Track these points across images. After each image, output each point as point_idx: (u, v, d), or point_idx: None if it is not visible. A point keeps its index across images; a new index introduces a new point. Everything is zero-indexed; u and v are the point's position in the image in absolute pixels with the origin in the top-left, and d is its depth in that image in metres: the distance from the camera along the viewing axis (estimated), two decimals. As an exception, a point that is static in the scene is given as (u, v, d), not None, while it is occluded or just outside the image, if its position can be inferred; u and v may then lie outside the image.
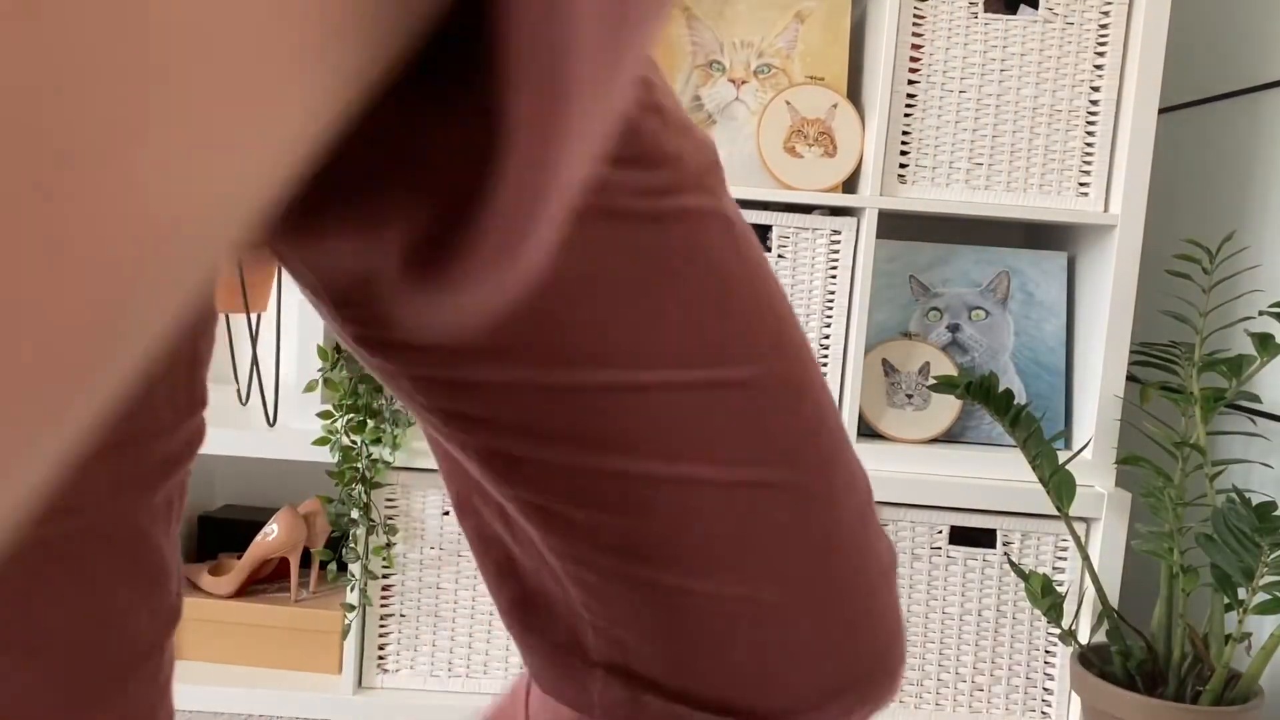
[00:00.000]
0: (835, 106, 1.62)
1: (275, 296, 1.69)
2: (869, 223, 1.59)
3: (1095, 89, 1.60)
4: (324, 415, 1.56)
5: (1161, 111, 2.00)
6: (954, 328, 1.68)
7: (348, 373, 1.55)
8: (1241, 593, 1.34)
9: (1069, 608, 1.60)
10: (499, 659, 1.64)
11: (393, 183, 0.25)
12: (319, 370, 1.60)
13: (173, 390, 0.50)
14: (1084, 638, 1.58)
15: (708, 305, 0.52)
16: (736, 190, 1.60)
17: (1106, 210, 1.61)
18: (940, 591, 1.62)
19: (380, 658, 1.63)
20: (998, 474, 1.62)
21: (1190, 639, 1.44)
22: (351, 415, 1.55)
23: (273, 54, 0.13)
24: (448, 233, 0.19)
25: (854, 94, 1.69)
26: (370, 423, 1.55)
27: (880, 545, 0.58)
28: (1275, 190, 1.67)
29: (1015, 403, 1.45)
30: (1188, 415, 1.50)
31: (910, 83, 1.60)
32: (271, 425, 1.62)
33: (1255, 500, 1.36)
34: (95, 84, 0.11)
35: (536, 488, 0.52)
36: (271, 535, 1.69)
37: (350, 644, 1.60)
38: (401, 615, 1.63)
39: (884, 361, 1.66)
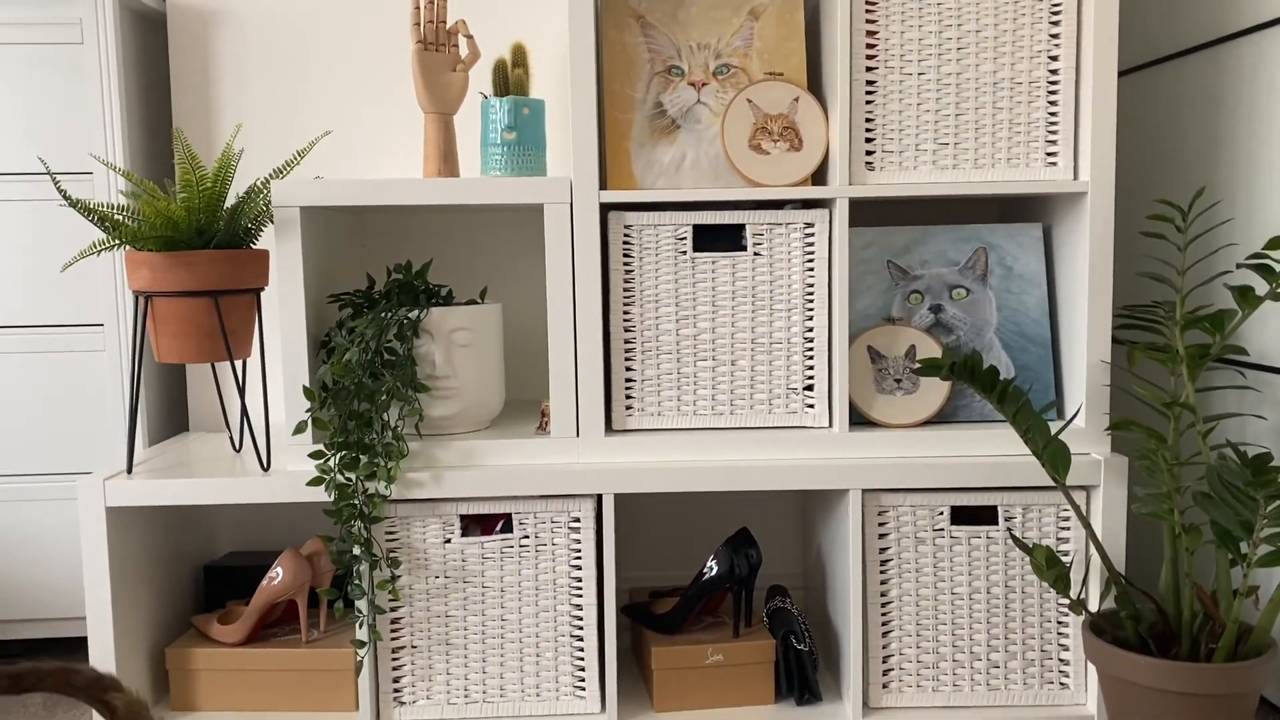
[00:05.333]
0: (797, 100, 1.63)
1: (258, 342, 1.69)
2: (841, 212, 1.59)
3: (1054, 58, 1.60)
4: (316, 455, 1.56)
5: (1122, 74, 2.00)
6: (936, 308, 1.68)
7: (336, 410, 1.55)
8: (1244, 547, 1.34)
9: (1076, 577, 1.60)
10: (514, 681, 1.64)
11: None
12: (307, 411, 1.60)
13: None
14: (1094, 605, 1.58)
15: None
16: (706, 192, 1.61)
17: (1076, 178, 1.61)
18: (947, 572, 1.62)
19: (396, 691, 1.63)
20: (993, 450, 1.62)
21: (1199, 597, 1.44)
22: (343, 452, 1.55)
23: None
24: None
25: (814, 86, 1.70)
26: (363, 458, 1.55)
27: None
28: (1242, 143, 1.68)
29: (1001, 378, 1.45)
30: (1176, 374, 1.50)
31: (869, 69, 1.60)
32: (266, 470, 1.62)
33: (1253, 452, 1.36)
34: None
35: None
36: (276, 579, 1.69)
37: (364, 680, 1.60)
38: (413, 647, 1.63)
39: (869, 349, 1.66)
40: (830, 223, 1.61)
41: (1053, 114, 1.61)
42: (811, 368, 1.65)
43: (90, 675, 0.93)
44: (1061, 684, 1.64)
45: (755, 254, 1.63)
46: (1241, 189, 1.68)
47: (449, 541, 1.61)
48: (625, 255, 1.63)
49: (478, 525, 1.64)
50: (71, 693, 0.92)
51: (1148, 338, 1.78)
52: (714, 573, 1.68)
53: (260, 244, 1.72)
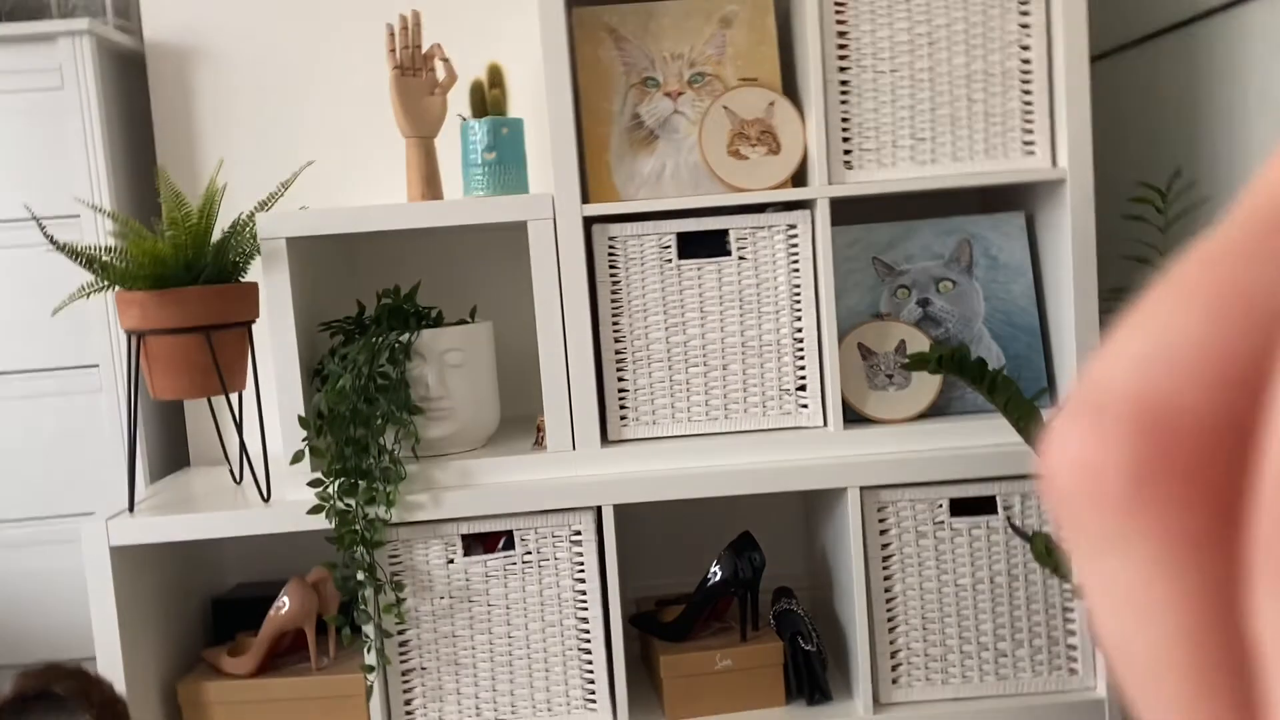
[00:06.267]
0: (772, 104, 1.64)
1: (252, 374, 1.70)
2: (822, 212, 1.60)
3: (1025, 47, 1.61)
4: (315, 483, 1.57)
5: (1094, 59, 2.01)
6: (924, 302, 1.69)
7: (332, 438, 1.56)
8: (1240, 522, 1.35)
9: (1078, 562, 1.60)
10: (525, 698, 1.64)
11: None
12: (303, 440, 1.61)
13: None
14: (1097, 589, 1.58)
15: None
16: (687, 200, 1.62)
17: (1055, 165, 1.62)
18: (949, 564, 1.63)
19: (408, 713, 1.64)
20: (989, 440, 1.63)
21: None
22: (342, 479, 1.56)
23: None
24: None
25: (789, 89, 1.71)
26: (361, 484, 1.56)
27: None
28: (1218, 121, 1.68)
29: (990, 368, 1.46)
30: (1164, 354, 1.51)
31: (842, 69, 1.61)
32: (266, 501, 1.63)
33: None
34: None
35: None
36: (283, 608, 1.70)
37: (376, 704, 1.61)
38: (422, 669, 1.64)
39: (860, 346, 1.66)
40: (813, 223, 1.62)
41: (1027, 103, 1.62)
42: (803, 368, 1.65)
43: (108, 694, 0.93)
44: (1070, 669, 1.64)
45: (740, 258, 1.64)
46: (1221, 167, 1.68)
47: (452, 562, 1.62)
48: (611, 266, 1.64)
49: (479, 544, 1.65)
50: (85, 705, 0.93)
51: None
52: (718, 578, 1.69)
53: (249, 277, 1.73)
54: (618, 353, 1.65)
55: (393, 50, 1.67)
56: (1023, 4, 1.61)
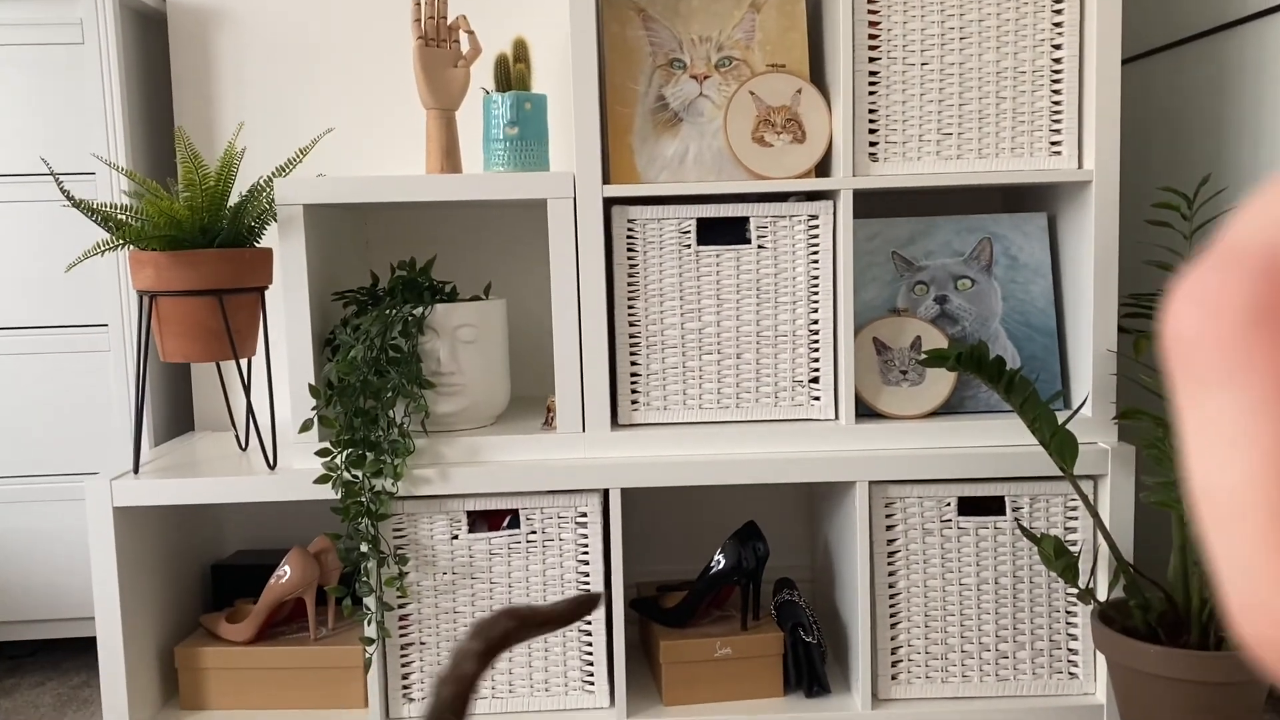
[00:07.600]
0: (799, 92, 1.62)
1: (263, 341, 1.69)
2: (845, 204, 1.59)
3: (1056, 47, 1.60)
4: (322, 453, 1.56)
5: (1126, 62, 1.99)
6: (942, 299, 1.68)
7: (342, 408, 1.55)
8: (1253, 534, 1.34)
9: (1084, 566, 1.60)
10: (523, 677, 1.64)
11: None
12: (313, 409, 1.60)
13: None
14: (1102, 595, 1.58)
15: None
16: (709, 185, 1.60)
17: (1080, 167, 1.61)
18: (955, 563, 1.62)
19: (405, 688, 1.63)
20: (1000, 441, 1.62)
21: (1208, 585, 1.44)
22: (350, 450, 1.55)
23: None
24: None
25: (817, 77, 1.69)
26: (369, 455, 1.55)
27: None
28: (1247, 129, 1.67)
29: (1007, 368, 1.45)
30: (1182, 362, 1.50)
31: (871, 60, 1.60)
32: (272, 468, 1.62)
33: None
34: None
35: None
36: (284, 577, 1.69)
37: (374, 677, 1.61)
38: (421, 643, 1.63)
39: (875, 340, 1.65)
40: (834, 214, 1.61)
41: (1056, 103, 1.60)
42: (817, 360, 1.64)
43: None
44: (1070, 674, 1.63)
45: (759, 247, 1.63)
46: (1246, 175, 1.67)
47: (456, 538, 1.61)
48: (629, 249, 1.63)
49: (485, 521, 1.64)
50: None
51: (1154, 326, 1.78)
52: (721, 566, 1.68)
53: (264, 242, 1.72)
54: (632, 336, 1.64)
55: (418, 20, 1.65)
56: (1056, 2, 1.59)
